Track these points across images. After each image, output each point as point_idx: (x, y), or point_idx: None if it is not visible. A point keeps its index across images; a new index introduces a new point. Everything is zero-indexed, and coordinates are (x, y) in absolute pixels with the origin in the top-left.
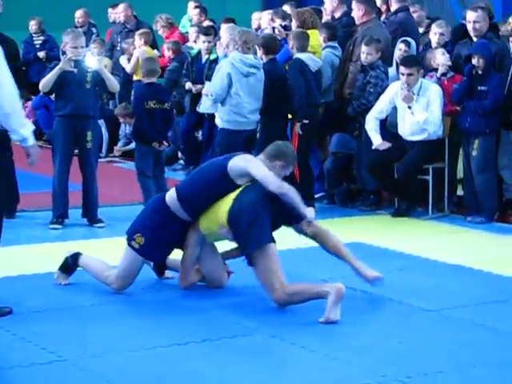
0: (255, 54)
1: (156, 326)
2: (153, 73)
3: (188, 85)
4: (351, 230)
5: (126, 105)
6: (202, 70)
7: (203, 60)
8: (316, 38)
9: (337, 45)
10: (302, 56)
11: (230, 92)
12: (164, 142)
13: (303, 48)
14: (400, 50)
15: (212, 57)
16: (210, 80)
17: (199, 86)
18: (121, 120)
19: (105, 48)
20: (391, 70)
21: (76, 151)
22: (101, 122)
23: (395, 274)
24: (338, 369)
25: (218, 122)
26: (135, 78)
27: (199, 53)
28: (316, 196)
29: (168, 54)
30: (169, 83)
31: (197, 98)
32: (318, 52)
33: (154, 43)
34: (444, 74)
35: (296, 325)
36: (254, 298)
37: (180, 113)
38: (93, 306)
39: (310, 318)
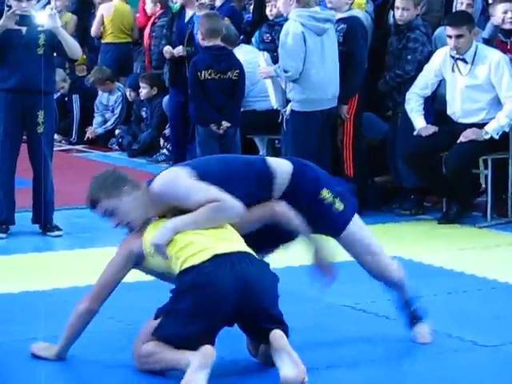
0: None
1: None
2: (214, 33)
3: (166, 49)
4: (385, 240)
5: (100, 67)
6: (183, 30)
7: (187, 18)
8: None
9: None
10: (360, 14)
11: (305, 62)
12: (224, 122)
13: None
14: (461, 3)
15: (191, 12)
16: (189, 45)
17: (180, 48)
18: (99, 88)
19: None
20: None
21: (24, 137)
22: (75, 97)
23: (442, 297)
24: None
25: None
26: (103, 40)
27: (182, 8)
28: None
29: (153, 8)
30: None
31: (180, 66)
32: (360, 5)
33: None
34: (508, 35)
35: (329, 365)
36: None
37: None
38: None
39: (337, 357)
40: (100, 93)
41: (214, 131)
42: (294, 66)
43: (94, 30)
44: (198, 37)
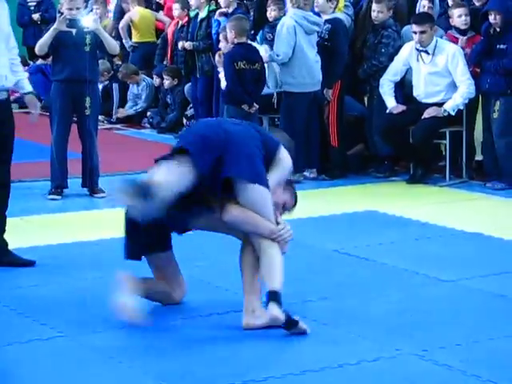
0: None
1: None
2: (244, 32)
3: (180, 44)
4: (365, 197)
5: (127, 64)
6: (194, 29)
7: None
8: None
9: (348, 3)
10: (341, 16)
11: (295, 51)
12: (254, 104)
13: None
14: (424, 6)
15: (203, 14)
16: (198, 40)
17: (189, 43)
18: (128, 81)
19: (115, 9)
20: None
21: (75, 118)
22: (115, 85)
23: (410, 243)
24: (350, 343)
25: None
26: (133, 40)
27: (197, 14)
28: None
29: (181, 13)
30: None
31: (192, 59)
32: (340, 9)
33: (149, 4)
34: (463, 34)
35: (307, 298)
36: None
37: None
38: (96, 279)
39: (321, 290)
40: (130, 85)
41: (242, 111)
42: (284, 51)
43: (120, 30)
44: (229, 35)
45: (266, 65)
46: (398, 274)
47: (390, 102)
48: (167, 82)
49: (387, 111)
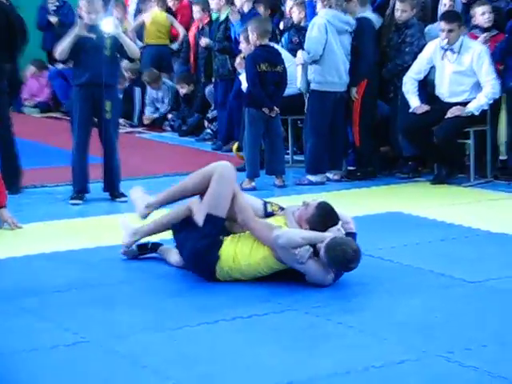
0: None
1: (183, 306)
2: (266, 34)
3: (202, 40)
4: (389, 199)
5: (150, 71)
6: (214, 30)
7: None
8: None
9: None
10: (370, 15)
11: (325, 49)
12: (275, 107)
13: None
14: (445, 5)
15: (222, 17)
16: (215, 41)
17: (207, 40)
18: (150, 86)
19: (135, 12)
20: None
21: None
22: (137, 89)
23: (436, 244)
24: (376, 345)
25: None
26: (145, 42)
27: (218, 18)
28: (350, 168)
29: (201, 15)
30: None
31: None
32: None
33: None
34: (483, 31)
35: (331, 300)
36: (285, 276)
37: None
38: (118, 284)
39: (346, 292)
40: (148, 89)
41: (263, 114)
42: (315, 48)
43: (132, 30)
44: (251, 37)
45: (299, 67)
46: (424, 275)
47: (414, 102)
48: (183, 91)
49: (410, 110)
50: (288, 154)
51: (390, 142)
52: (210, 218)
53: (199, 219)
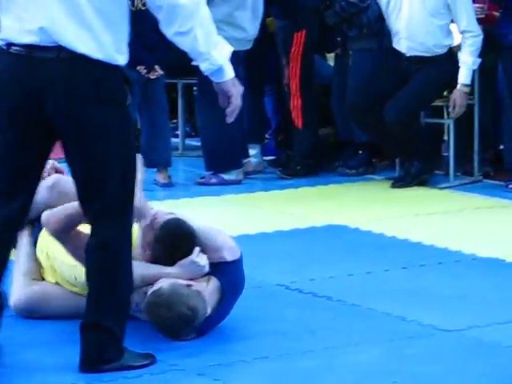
0: None
1: None
2: None
3: None
4: (328, 205)
5: None
6: None
7: None
8: None
9: None
10: None
11: None
12: (156, 66)
13: None
14: None
15: None
16: None
17: None
18: None
19: None
20: None
21: None
22: None
23: (395, 273)
24: None
25: None
26: None
27: None
28: (267, 158)
29: None
30: None
31: None
32: None
33: None
34: None
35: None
36: None
37: None
38: None
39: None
40: None
41: (138, 75)
42: None
43: None
44: None
45: None
46: (377, 319)
47: None
48: None
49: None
50: (177, 136)
51: (333, 122)
52: None
53: None
